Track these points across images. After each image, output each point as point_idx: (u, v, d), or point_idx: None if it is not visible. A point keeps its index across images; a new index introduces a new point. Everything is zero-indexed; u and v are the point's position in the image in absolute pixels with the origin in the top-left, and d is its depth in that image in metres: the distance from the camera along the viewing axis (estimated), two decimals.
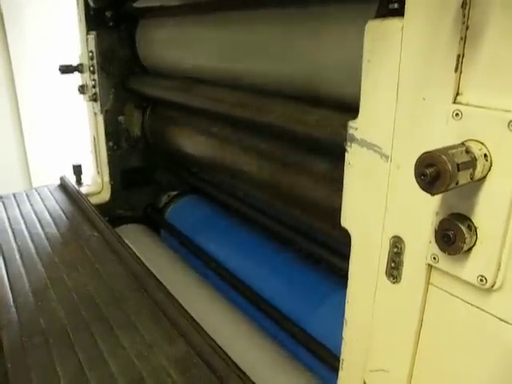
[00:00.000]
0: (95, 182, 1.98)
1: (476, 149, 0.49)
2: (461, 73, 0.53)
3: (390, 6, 0.61)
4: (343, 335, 0.79)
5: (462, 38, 0.52)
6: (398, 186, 0.62)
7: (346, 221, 0.73)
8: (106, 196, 1.91)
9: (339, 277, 1.28)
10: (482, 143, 0.50)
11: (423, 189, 0.47)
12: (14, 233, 1.46)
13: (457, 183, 0.47)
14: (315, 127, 0.92)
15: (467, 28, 0.52)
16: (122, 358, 0.92)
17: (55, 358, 0.91)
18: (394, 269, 0.65)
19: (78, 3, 1.71)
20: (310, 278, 1.39)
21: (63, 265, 1.26)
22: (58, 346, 0.95)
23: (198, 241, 1.77)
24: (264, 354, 1.20)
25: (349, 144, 0.69)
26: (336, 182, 0.83)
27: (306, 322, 1.26)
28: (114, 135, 1.85)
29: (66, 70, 1.82)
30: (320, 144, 0.95)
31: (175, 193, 2.11)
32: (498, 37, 0.49)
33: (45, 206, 1.66)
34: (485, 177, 0.51)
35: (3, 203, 1.67)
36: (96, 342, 0.97)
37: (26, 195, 1.76)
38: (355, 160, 0.68)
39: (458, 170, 0.46)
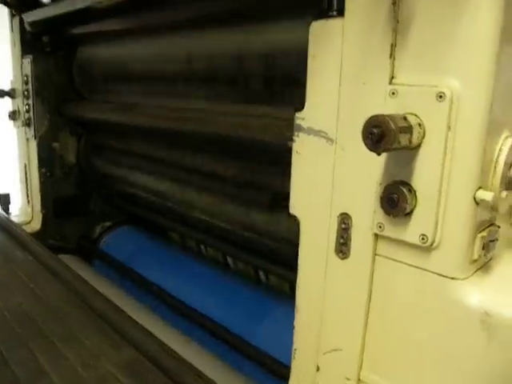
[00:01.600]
0: (25, 212, 1.89)
1: (411, 119, 0.57)
2: (394, 59, 0.61)
3: (330, 14, 0.70)
4: (295, 324, 0.82)
5: (393, 30, 0.60)
6: (344, 166, 0.68)
7: (295, 207, 0.77)
8: (36, 226, 1.83)
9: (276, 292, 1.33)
10: (416, 115, 0.58)
11: (370, 149, 0.54)
12: None
13: (399, 143, 0.53)
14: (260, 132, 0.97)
15: (398, 22, 0.60)
16: (66, 369, 0.87)
17: None
18: (342, 245, 0.70)
19: (12, 27, 1.69)
20: (244, 295, 1.42)
21: None
22: None
23: (134, 267, 1.73)
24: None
25: (296, 134, 0.75)
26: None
27: (247, 335, 1.27)
28: (48, 162, 1.79)
29: None
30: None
31: (109, 223, 2.06)
32: (423, 28, 0.58)
33: None
34: (420, 144, 0.58)
35: None
36: (35, 357, 0.92)
37: None
38: (302, 148, 0.74)
39: (400, 132, 0.53)
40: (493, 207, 0.61)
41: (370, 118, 0.53)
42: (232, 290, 1.48)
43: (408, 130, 0.55)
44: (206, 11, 1.12)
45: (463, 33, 0.54)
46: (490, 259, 0.67)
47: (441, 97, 0.55)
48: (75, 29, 1.62)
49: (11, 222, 1.63)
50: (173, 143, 1.45)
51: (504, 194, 0.61)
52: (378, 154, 0.55)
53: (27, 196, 1.88)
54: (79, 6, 1.33)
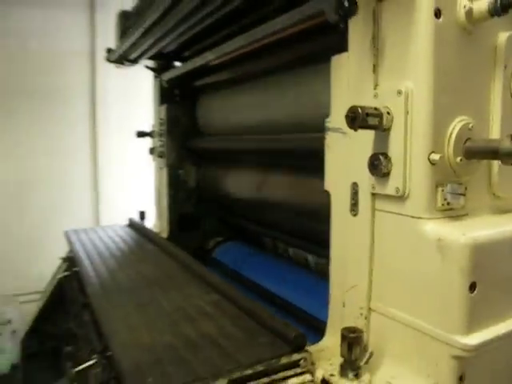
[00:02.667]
0: (156, 225, 2.41)
1: (383, 109, 0.87)
2: (377, 74, 0.92)
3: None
4: (330, 272, 1.10)
5: (374, 56, 0.92)
6: (351, 149, 0.99)
7: (327, 184, 1.08)
8: (164, 236, 2.32)
9: None
10: (387, 107, 0.88)
11: (349, 126, 0.85)
12: (94, 245, 1.88)
13: (367, 122, 0.84)
14: None
15: (376, 50, 0.92)
16: (170, 301, 1.26)
17: (124, 301, 1.27)
18: (353, 205, 0.99)
19: (154, 85, 2.28)
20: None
21: (130, 260, 1.65)
22: (125, 295, 1.31)
23: (239, 271, 2.10)
24: None
25: (326, 133, 1.07)
26: None
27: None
28: (174, 186, 2.30)
29: (141, 134, 2.35)
30: None
31: (221, 238, 2.49)
32: (389, 53, 0.89)
33: (116, 232, 2.09)
34: (390, 127, 0.87)
35: (86, 232, 2.13)
36: (153, 293, 1.32)
37: (102, 229, 2.21)
38: (330, 141, 1.06)
39: (367, 116, 0.84)
40: (452, 168, 0.86)
41: (349, 108, 0.85)
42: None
43: (376, 115, 0.85)
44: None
45: (411, 54, 0.84)
46: (466, 214, 0.91)
47: (400, 93, 0.85)
48: (197, 82, 2.14)
49: (145, 226, 2.14)
50: (264, 164, 1.84)
51: (458, 159, 0.86)
52: (355, 130, 0.85)
53: (158, 213, 2.40)
54: (198, 63, 1.83)
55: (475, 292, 0.81)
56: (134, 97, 3.63)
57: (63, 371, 2.06)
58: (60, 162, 3.63)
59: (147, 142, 2.45)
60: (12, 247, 3.56)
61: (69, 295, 2.00)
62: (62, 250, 2.39)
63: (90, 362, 1.17)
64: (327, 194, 1.09)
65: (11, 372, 3.27)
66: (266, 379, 0.91)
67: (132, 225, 2.29)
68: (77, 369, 1.19)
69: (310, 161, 1.35)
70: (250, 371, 0.89)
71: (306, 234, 1.67)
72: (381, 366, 0.97)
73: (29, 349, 2.30)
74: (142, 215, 2.41)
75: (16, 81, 3.47)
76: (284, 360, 0.93)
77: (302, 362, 0.95)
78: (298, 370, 0.95)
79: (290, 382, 0.93)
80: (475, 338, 0.82)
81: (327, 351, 1.05)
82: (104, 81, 3.63)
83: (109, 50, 2.34)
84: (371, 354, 0.98)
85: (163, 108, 2.24)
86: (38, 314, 2.34)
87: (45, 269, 2.78)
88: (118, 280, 1.48)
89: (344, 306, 1.05)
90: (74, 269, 1.94)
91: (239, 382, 0.88)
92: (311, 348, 1.04)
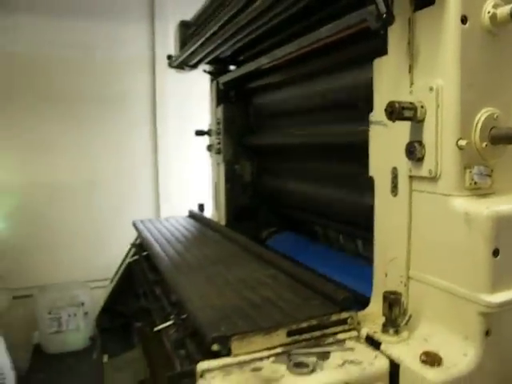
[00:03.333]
0: (214, 216, 2.63)
1: (418, 104, 1.02)
2: (412, 73, 1.08)
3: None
4: (374, 248, 1.26)
5: (410, 57, 1.08)
6: (391, 139, 1.15)
7: (372, 171, 1.24)
8: None
9: None
10: (421, 101, 1.03)
11: (388, 118, 1.01)
12: (160, 232, 2.13)
13: (403, 115, 1.00)
14: None
15: (411, 53, 1.07)
16: (234, 275, 1.46)
17: (193, 275, 1.48)
18: (394, 187, 1.15)
19: (211, 87, 2.50)
20: None
21: (194, 244, 1.87)
22: (193, 271, 1.53)
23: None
24: None
25: (370, 127, 1.23)
26: None
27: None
28: (231, 180, 2.51)
29: (199, 133, 2.58)
30: None
31: (273, 229, 2.67)
32: (422, 54, 1.04)
33: (178, 222, 2.33)
34: (424, 118, 1.03)
35: (151, 222, 2.38)
36: (218, 269, 1.53)
37: (165, 219, 2.46)
38: (373, 133, 1.22)
39: (403, 109, 1.00)
40: (479, 152, 1.00)
41: (388, 103, 1.01)
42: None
43: (411, 108, 1.01)
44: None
45: (441, 55, 0.99)
46: (492, 193, 1.05)
47: (431, 89, 1.00)
48: (251, 84, 2.34)
49: (204, 216, 2.37)
50: (313, 157, 2.01)
51: (484, 144, 1.00)
52: (393, 121, 1.01)
53: (216, 205, 2.61)
54: (253, 67, 2.03)
55: (499, 257, 0.95)
56: (190, 99, 3.91)
57: (133, 344, 2.31)
58: (124, 162, 3.98)
59: (204, 141, 2.67)
60: (83, 239, 3.92)
61: (138, 277, 2.25)
62: (126, 242, 2.67)
63: (168, 323, 1.38)
64: (371, 179, 1.25)
65: (85, 347, 3.65)
66: (318, 332, 1.09)
67: (192, 215, 2.53)
68: (156, 328, 1.41)
69: (354, 152, 1.51)
70: (305, 324, 1.07)
71: (355, 221, 1.83)
72: (418, 326, 1.12)
73: (102, 325, 2.58)
74: (201, 207, 2.63)
75: (85, 89, 3.82)
76: (334, 317, 1.10)
77: (349, 320, 1.12)
78: (346, 327, 1.12)
79: (339, 337, 1.10)
80: (499, 297, 0.96)
81: (372, 315, 1.21)
82: (163, 85, 3.94)
83: (169, 57, 2.58)
84: (410, 317, 1.13)
85: (220, 108, 2.45)
86: (109, 295, 2.61)
87: (111, 258, 3.09)
88: (185, 259, 1.70)
89: (386, 276, 1.21)
90: (143, 253, 2.19)
91: (296, 332, 1.06)
92: (358, 313, 1.20)
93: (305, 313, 1.12)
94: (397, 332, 1.08)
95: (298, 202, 2.24)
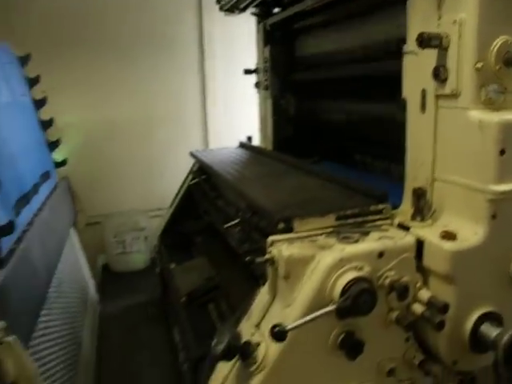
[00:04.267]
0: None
1: (443, 34, 1.27)
2: (440, 9, 1.31)
3: None
4: (406, 157, 1.54)
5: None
6: (421, 65, 1.39)
7: (405, 93, 1.50)
8: None
9: None
10: (446, 32, 1.27)
11: (418, 46, 1.26)
12: (215, 158, 2.46)
13: (430, 43, 1.25)
14: None
15: None
16: (287, 183, 1.78)
17: (252, 184, 1.81)
18: (423, 105, 1.41)
19: (258, 29, 2.74)
20: None
21: (248, 165, 2.20)
22: (251, 181, 1.85)
23: None
24: None
25: (404, 56, 1.48)
26: None
27: None
28: (277, 113, 2.79)
29: (247, 71, 2.85)
30: None
31: (316, 158, 2.96)
32: None
33: (230, 151, 2.67)
34: (448, 46, 1.27)
35: (206, 151, 2.71)
36: (272, 180, 1.85)
37: (217, 149, 2.80)
38: (406, 61, 1.47)
39: (431, 39, 1.24)
40: (494, 73, 1.25)
41: (418, 34, 1.26)
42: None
43: (438, 38, 1.25)
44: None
45: None
46: (505, 108, 1.30)
47: (455, 22, 1.24)
48: (295, 25, 2.57)
49: (254, 145, 2.68)
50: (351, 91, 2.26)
51: (498, 66, 1.25)
52: (422, 49, 1.27)
53: (263, 137, 2.91)
54: (298, 9, 2.25)
55: (504, 155, 1.22)
56: (235, 40, 4.17)
57: (193, 257, 2.69)
58: (176, 101, 4.34)
59: (246, 81, 2.94)
60: (140, 173, 4.36)
61: (198, 198, 2.61)
62: (179, 175, 3.04)
63: (235, 221, 1.72)
64: (404, 101, 1.51)
65: (146, 267, 4.18)
66: (359, 219, 1.40)
67: (243, 145, 2.85)
68: (225, 225, 1.76)
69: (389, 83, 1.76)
70: (349, 211, 1.38)
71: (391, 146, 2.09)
72: (440, 217, 1.41)
73: (164, 243, 2.98)
74: (250, 139, 2.94)
75: (139, 34, 4.13)
76: (372, 208, 1.42)
77: (384, 210, 1.43)
78: (382, 216, 1.43)
79: (377, 223, 1.42)
80: (503, 187, 1.23)
81: (402, 212, 1.51)
82: (210, 28, 4.20)
83: (218, 1, 2.81)
84: (434, 211, 1.43)
85: (267, 48, 2.70)
86: (170, 217, 3.01)
87: (165, 189, 3.49)
88: (243, 175, 2.02)
89: (415, 179, 1.50)
90: (202, 177, 2.54)
91: (343, 217, 1.38)
92: (392, 211, 1.50)
93: (350, 204, 1.43)
94: (423, 220, 1.39)
95: (337, 131, 2.52)
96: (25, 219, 2.00)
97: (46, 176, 2.65)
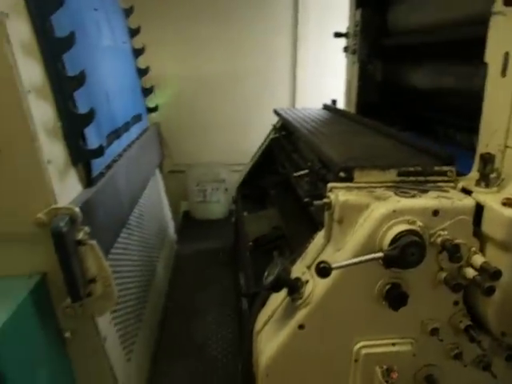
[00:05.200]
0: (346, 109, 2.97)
1: None
2: None
3: None
4: (480, 124, 1.51)
5: None
6: (505, 27, 1.36)
7: (487, 57, 1.46)
8: None
9: None
10: None
11: (504, 4, 1.23)
12: (298, 116, 2.54)
13: None
14: None
15: None
16: (360, 140, 1.82)
17: (327, 138, 1.87)
18: (503, 69, 1.38)
19: None
20: None
21: (328, 124, 2.25)
22: (327, 137, 1.91)
23: None
24: None
25: (491, 18, 1.44)
26: None
27: None
28: (363, 78, 2.78)
29: (338, 34, 2.85)
30: None
31: (397, 127, 2.92)
32: None
33: (313, 111, 2.73)
34: None
35: (290, 110, 2.79)
36: (347, 137, 1.90)
37: (301, 109, 2.86)
38: (492, 23, 1.43)
39: None
40: None
41: None
42: None
43: None
44: None
45: None
46: None
47: None
48: None
49: (337, 108, 2.72)
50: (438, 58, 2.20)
51: None
52: (509, 6, 1.24)
53: (347, 101, 2.93)
54: None
55: None
56: (331, 4, 4.16)
57: (266, 207, 2.83)
58: (266, 59, 4.46)
59: (338, 44, 2.95)
60: (225, 127, 4.57)
61: (276, 152, 2.73)
62: (262, 133, 3.15)
63: (304, 171, 1.81)
64: (485, 65, 1.48)
65: (223, 218, 4.45)
66: (421, 178, 1.43)
67: (326, 108, 2.89)
68: (295, 174, 1.85)
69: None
70: (412, 169, 1.41)
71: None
72: (507, 186, 1.39)
73: (242, 193, 3.16)
74: (334, 102, 2.97)
75: None
76: (436, 168, 1.43)
77: (449, 172, 1.44)
78: (445, 178, 1.44)
79: (439, 184, 1.43)
80: None
81: (470, 178, 1.50)
82: None
83: None
84: (503, 179, 1.41)
85: (358, 11, 2.68)
86: (249, 170, 3.16)
87: (247, 145, 3.64)
88: (320, 132, 2.09)
89: (487, 146, 1.48)
90: (282, 133, 2.64)
91: (405, 174, 1.41)
92: (459, 178, 1.49)
93: (413, 162, 1.46)
94: (487, 186, 1.38)
95: (422, 102, 2.47)
96: (114, 151, 2.24)
97: (137, 118, 2.90)
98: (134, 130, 2.77)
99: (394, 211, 1.27)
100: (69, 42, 1.63)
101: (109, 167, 2.06)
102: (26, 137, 1.49)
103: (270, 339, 1.44)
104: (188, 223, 4.40)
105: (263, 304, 1.59)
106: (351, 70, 2.86)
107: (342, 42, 2.98)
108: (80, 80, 1.67)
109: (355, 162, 1.45)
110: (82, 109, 1.73)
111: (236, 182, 3.35)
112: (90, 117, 1.70)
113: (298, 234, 2.07)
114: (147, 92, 3.28)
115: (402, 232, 1.24)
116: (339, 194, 1.32)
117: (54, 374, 1.70)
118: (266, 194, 2.88)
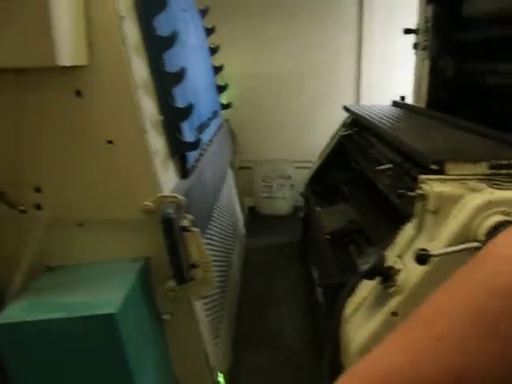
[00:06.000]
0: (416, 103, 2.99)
1: None
2: None
3: None
4: None
5: None
6: None
7: None
8: None
9: None
10: None
11: None
12: (368, 112, 2.60)
13: None
14: None
15: None
16: (442, 135, 1.86)
17: (408, 132, 1.93)
18: None
19: None
20: None
21: (402, 120, 2.30)
22: (408, 130, 1.97)
23: None
24: None
25: None
26: None
27: None
28: (434, 75, 2.80)
29: (407, 31, 2.89)
30: None
31: None
32: None
33: (382, 107, 2.78)
34: None
35: (358, 106, 2.86)
36: (427, 131, 1.95)
37: (370, 106, 2.92)
38: None
39: None
40: None
41: None
42: None
43: None
44: None
45: None
46: None
47: None
48: None
49: (407, 103, 2.75)
50: None
51: None
52: None
53: (416, 98, 2.96)
54: None
55: None
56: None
57: (338, 204, 2.90)
58: (329, 56, 4.52)
59: (403, 41, 2.97)
60: (290, 124, 4.68)
61: (348, 148, 2.79)
62: (327, 130, 3.22)
63: (387, 166, 1.88)
64: None
65: (288, 214, 4.57)
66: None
67: (395, 104, 2.94)
68: (377, 168, 1.92)
69: None
70: (505, 162, 1.46)
71: None
72: None
73: (311, 189, 3.24)
74: (403, 98, 3.01)
75: None
76: None
77: None
78: None
79: None
80: None
81: None
82: None
83: None
84: None
85: (430, 7, 2.70)
86: (319, 166, 3.24)
87: (312, 142, 3.72)
88: (397, 126, 2.14)
89: None
90: (354, 129, 2.70)
91: (497, 167, 1.46)
92: None
93: (505, 155, 1.50)
94: None
95: (497, 98, 2.46)
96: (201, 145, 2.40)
97: (215, 114, 3.06)
98: (213, 126, 2.93)
99: (490, 202, 1.32)
100: (171, 40, 1.78)
101: (197, 160, 2.21)
102: (137, 129, 1.63)
103: (362, 326, 1.51)
104: (253, 218, 4.56)
105: (350, 293, 1.67)
106: (421, 67, 2.89)
107: (407, 38, 3.01)
108: (180, 76, 1.82)
109: (445, 154, 1.51)
110: (180, 103, 1.87)
111: (304, 178, 3.43)
112: (188, 111, 1.85)
113: (378, 227, 2.14)
114: (221, 89, 3.42)
115: (500, 222, 1.29)
116: (434, 186, 1.39)
117: (157, 354, 1.86)
118: (337, 190, 2.95)
